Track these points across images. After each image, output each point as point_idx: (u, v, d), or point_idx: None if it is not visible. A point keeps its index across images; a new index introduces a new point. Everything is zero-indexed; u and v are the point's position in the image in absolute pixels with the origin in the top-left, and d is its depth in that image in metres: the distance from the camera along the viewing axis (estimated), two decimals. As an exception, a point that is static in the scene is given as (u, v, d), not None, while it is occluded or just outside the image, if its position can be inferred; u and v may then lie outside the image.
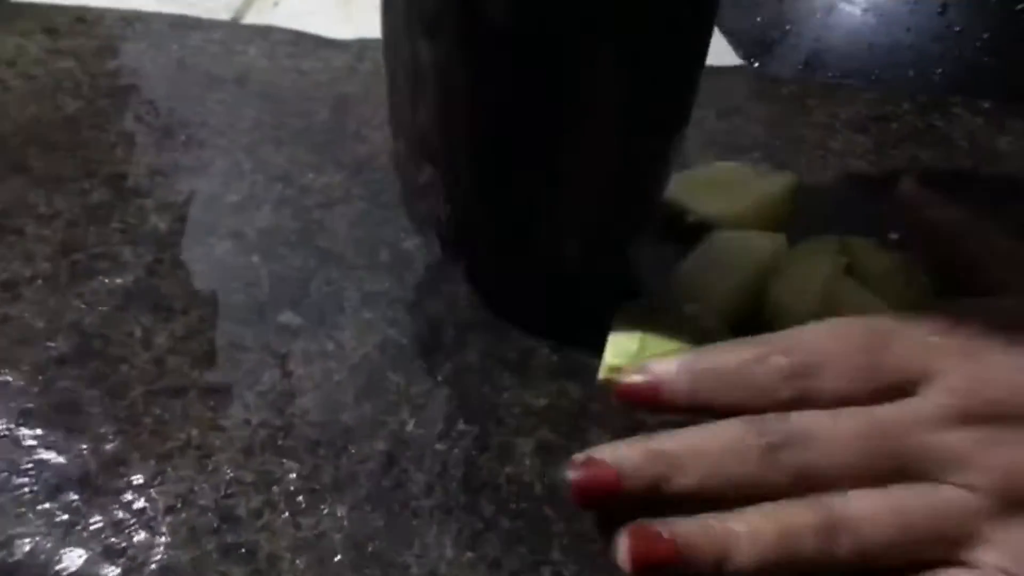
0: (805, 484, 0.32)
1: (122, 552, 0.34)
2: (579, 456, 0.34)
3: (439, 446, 0.38)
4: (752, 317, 0.41)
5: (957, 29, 0.58)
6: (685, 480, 0.32)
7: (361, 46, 0.58)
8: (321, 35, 0.59)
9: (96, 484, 0.36)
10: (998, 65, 0.57)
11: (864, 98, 0.54)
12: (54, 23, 0.60)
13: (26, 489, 0.36)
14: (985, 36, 0.58)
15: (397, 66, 0.35)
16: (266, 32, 0.59)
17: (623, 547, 0.32)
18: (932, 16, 0.59)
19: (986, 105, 0.53)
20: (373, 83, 0.55)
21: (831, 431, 0.32)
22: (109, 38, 0.58)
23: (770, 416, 0.32)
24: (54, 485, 0.36)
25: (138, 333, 0.42)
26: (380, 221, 0.47)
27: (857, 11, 0.61)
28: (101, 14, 0.60)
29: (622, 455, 0.33)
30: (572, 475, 0.33)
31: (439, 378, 0.40)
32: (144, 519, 0.35)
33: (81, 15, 0.60)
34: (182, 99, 0.54)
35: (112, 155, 0.50)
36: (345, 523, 0.35)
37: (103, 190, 0.48)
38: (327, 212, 0.47)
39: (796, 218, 0.44)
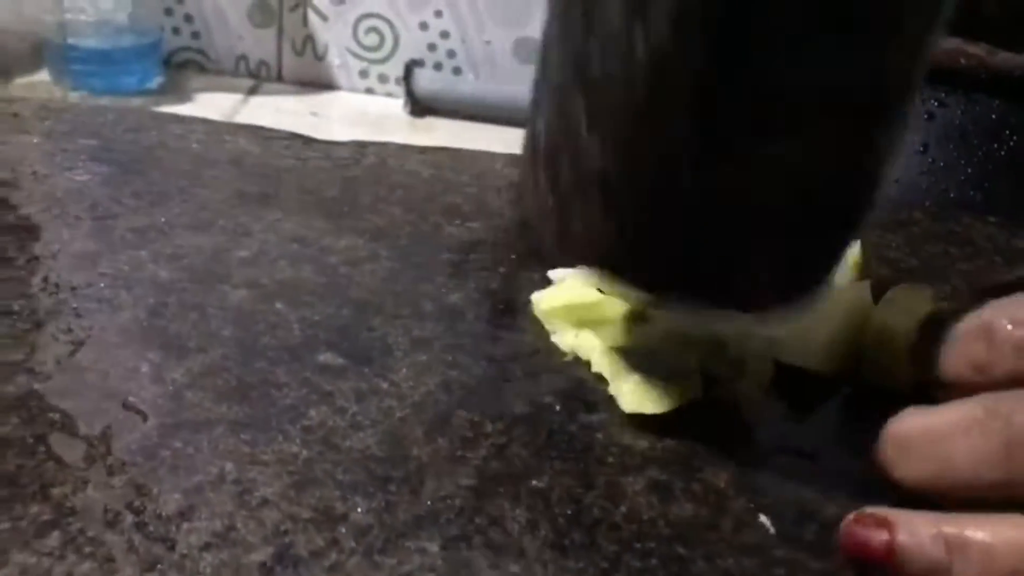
0: None
1: (146, 595, 0.26)
2: (862, 512, 0.28)
3: (535, 483, 0.31)
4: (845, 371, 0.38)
5: (941, 164, 0.60)
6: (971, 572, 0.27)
7: (358, 144, 0.55)
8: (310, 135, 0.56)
9: (104, 519, 0.28)
10: (983, 198, 0.59)
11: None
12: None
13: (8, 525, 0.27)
14: (969, 171, 0.60)
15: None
16: (256, 129, 0.55)
17: None
18: (914, 154, 0.61)
19: (991, 219, 0.54)
20: (381, 172, 0.52)
21: None
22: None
23: None
24: (47, 522, 0.28)
25: (145, 368, 0.34)
26: (416, 279, 0.42)
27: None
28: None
29: (906, 526, 0.27)
30: (845, 525, 0.28)
31: (517, 415, 0.34)
32: (174, 558, 0.27)
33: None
34: (172, 174, 0.49)
35: (91, 212, 0.44)
36: (439, 562, 0.28)
37: (86, 240, 0.42)
38: (354, 269, 0.42)
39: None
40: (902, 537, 0.26)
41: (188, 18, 0.98)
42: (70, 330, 0.36)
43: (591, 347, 0.37)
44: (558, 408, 0.35)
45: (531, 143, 0.33)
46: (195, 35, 0.99)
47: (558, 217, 0.31)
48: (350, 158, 0.53)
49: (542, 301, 0.39)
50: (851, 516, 0.28)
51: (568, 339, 0.38)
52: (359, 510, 0.29)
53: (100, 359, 0.35)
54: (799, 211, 0.29)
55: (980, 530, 0.26)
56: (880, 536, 0.26)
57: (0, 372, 0.33)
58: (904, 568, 0.26)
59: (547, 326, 0.39)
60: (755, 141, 0.28)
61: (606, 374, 0.36)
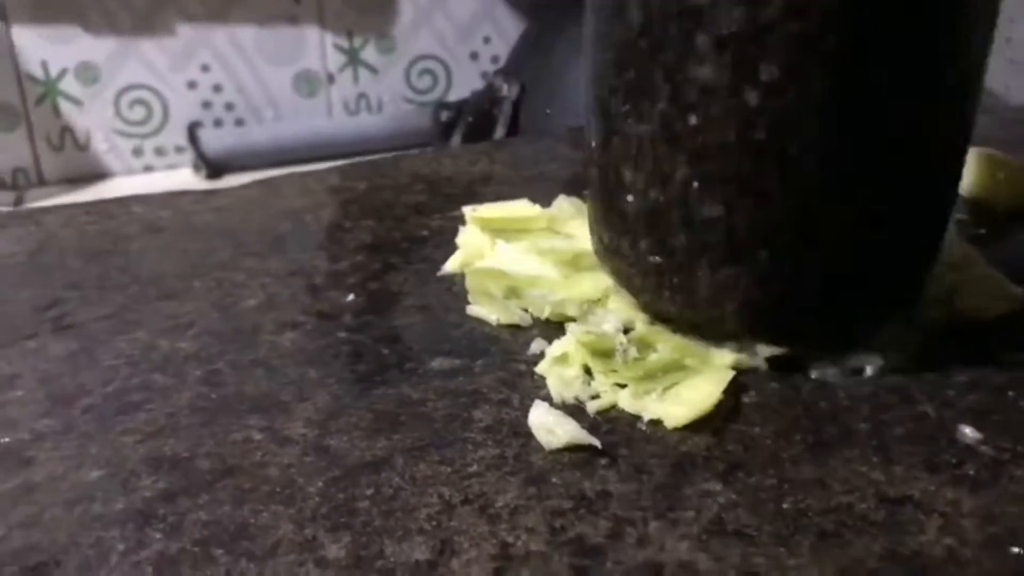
0: None
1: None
2: None
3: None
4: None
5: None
6: None
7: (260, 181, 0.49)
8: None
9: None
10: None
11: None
12: None
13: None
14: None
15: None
16: (137, 200, 0.48)
17: None
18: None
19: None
20: (326, 196, 0.46)
21: None
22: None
23: None
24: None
25: (256, 437, 0.28)
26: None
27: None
28: None
29: None
30: None
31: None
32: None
33: None
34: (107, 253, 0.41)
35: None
36: None
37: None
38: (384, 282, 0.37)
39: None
40: None
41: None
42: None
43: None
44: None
45: (609, 206, 0.31)
46: (-74, 159, 0.85)
47: (674, 279, 0.30)
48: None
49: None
50: None
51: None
52: None
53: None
54: None
55: None
56: None
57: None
58: None
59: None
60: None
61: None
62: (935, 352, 0.30)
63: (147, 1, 0.85)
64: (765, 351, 0.30)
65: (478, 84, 0.94)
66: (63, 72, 0.86)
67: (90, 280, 0.38)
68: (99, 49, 0.86)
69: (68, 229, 0.44)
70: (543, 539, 0.23)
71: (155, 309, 0.36)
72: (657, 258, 0.29)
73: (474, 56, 0.96)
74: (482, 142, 0.61)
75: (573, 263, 0.34)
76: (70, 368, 0.32)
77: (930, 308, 0.32)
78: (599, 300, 0.33)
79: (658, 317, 0.31)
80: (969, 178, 0.42)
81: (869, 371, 0.29)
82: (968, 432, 0.27)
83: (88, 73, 0.86)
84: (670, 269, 0.29)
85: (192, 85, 0.90)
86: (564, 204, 0.39)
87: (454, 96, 0.95)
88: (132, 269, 0.39)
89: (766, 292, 0.28)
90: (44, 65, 0.85)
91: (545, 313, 0.32)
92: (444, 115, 0.85)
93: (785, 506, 0.24)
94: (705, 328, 0.30)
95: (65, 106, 0.87)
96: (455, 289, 0.35)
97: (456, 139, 0.81)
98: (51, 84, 0.86)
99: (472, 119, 0.80)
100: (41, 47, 0.84)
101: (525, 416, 0.28)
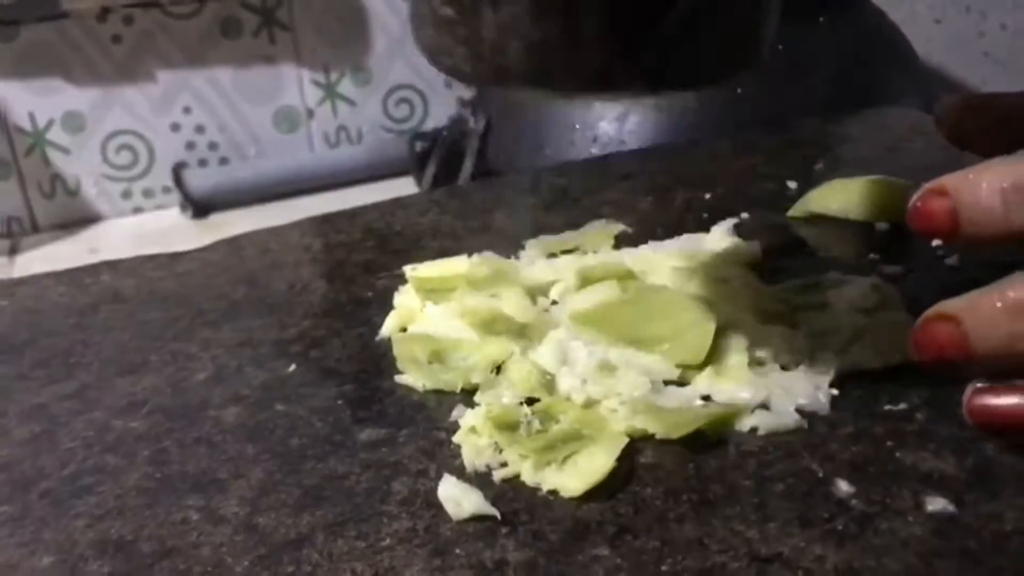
0: None
1: None
2: (923, 192, 0.29)
3: None
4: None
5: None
6: None
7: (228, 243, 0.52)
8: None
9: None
10: None
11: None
12: None
13: None
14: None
15: None
16: (110, 266, 0.51)
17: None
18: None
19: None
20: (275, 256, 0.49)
21: None
22: None
23: None
24: None
25: (194, 517, 0.31)
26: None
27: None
28: None
29: (963, 186, 0.28)
30: (913, 206, 0.29)
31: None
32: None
33: None
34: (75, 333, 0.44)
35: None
36: None
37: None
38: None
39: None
40: (964, 198, 0.28)
41: (-91, 197, 0.87)
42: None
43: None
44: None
45: None
46: (-76, 213, 0.88)
47: (466, 34, 0.29)
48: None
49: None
50: (915, 198, 0.29)
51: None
52: None
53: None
54: None
55: None
56: (941, 203, 0.28)
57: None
58: (971, 228, 0.28)
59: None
60: None
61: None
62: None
63: (127, 50, 0.88)
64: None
65: (454, 111, 0.96)
66: (50, 123, 0.89)
67: (56, 357, 0.41)
68: (83, 99, 0.89)
69: (39, 302, 0.47)
70: (443, 609, 0.26)
71: (113, 387, 0.38)
72: (448, 10, 0.29)
73: (448, 84, 0.98)
74: (437, 189, 0.64)
75: (488, 325, 0.36)
76: (32, 451, 0.35)
77: (827, 357, 0.34)
78: (502, 365, 0.35)
79: (454, 74, 0.30)
80: (885, 211, 0.44)
81: (761, 429, 0.32)
82: (843, 486, 0.29)
83: (74, 122, 0.89)
84: (459, 19, 0.29)
85: (175, 127, 0.93)
86: (483, 262, 0.41)
87: (432, 123, 0.98)
88: (95, 344, 0.42)
89: (545, 28, 0.28)
90: (31, 117, 0.88)
91: (459, 386, 0.35)
92: (419, 145, 0.88)
93: (664, 568, 0.27)
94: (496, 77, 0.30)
95: (54, 155, 0.90)
96: (390, 355, 0.38)
97: (431, 169, 0.84)
98: (39, 135, 0.89)
99: (445, 150, 0.82)
100: (27, 100, 0.87)
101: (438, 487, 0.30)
